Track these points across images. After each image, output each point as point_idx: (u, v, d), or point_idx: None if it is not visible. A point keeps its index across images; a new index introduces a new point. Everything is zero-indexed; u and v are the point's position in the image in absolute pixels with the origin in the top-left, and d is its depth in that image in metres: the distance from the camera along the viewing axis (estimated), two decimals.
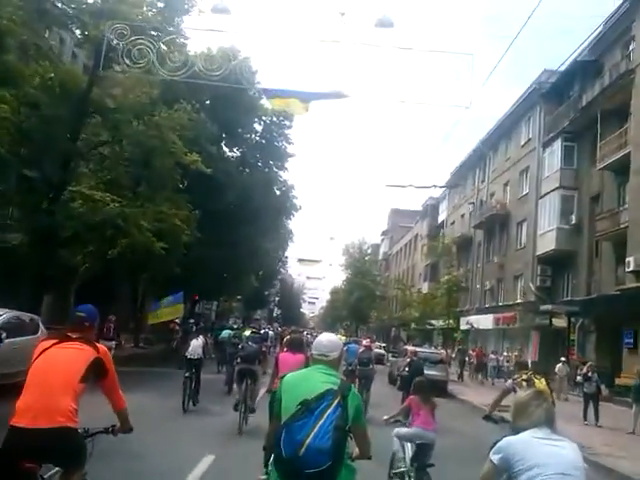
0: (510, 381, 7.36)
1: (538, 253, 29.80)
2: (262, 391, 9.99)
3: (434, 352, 25.76)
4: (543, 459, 2.75)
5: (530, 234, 31.57)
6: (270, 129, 32.96)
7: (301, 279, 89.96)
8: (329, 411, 3.00)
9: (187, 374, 11.85)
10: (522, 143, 34.79)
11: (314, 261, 71.25)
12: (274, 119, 33.09)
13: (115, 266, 22.27)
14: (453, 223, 49.18)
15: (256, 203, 30.94)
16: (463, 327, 39.87)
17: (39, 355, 3.52)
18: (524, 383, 6.75)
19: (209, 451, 7.90)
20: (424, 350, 23.99)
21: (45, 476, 3.47)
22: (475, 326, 36.98)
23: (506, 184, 36.94)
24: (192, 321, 31.01)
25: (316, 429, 2.92)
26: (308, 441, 2.89)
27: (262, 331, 23.83)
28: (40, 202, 16.39)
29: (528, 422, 2.94)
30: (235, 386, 11.36)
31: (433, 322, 39.06)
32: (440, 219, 54.87)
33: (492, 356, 30.89)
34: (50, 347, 3.53)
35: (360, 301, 68.09)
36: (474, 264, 42.03)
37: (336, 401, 3.04)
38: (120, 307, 27.78)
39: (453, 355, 33.36)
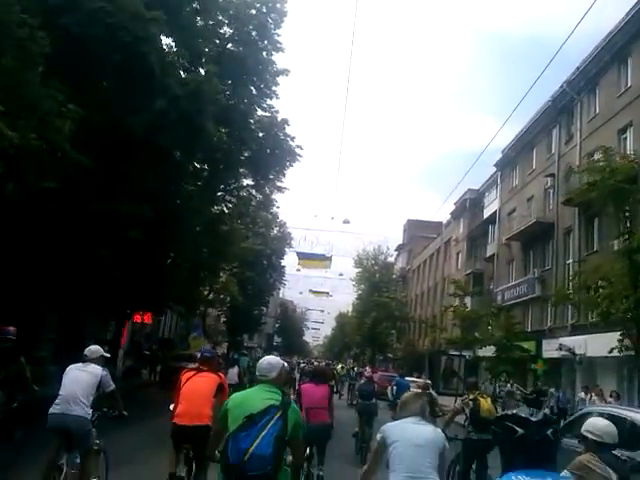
0: (459, 401, 9.25)
1: None
2: None
3: None
4: (405, 435, 3.84)
5: None
6: (244, 23, 19.40)
7: (304, 298, 75.37)
8: (271, 423, 3.56)
9: None
10: None
11: (323, 293, 58.06)
12: (251, 11, 19.72)
13: None
14: (513, 212, 35.53)
15: (216, 137, 17.37)
16: (550, 354, 25.99)
17: (187, 381, 5.99)
18: (470, 403, 8.11)
19: None
20: None
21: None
22: (577, 352, 23.04)
23: (623, 130, 23.43)
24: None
25: (259, 439, 3.48)
26: (252, 449, 3.45)
27: (303, 365, 31.14)
28: None
29: (407, 413, 4.01)
30: None
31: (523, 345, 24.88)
32: (487, 213, 41.24)
33: None
34: (192, 376, 6.01)
35: (377, 324, 54.27)
36: (556, 261, 28.28)
37: (278, 415, 3.60)
38: None
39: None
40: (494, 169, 40.47)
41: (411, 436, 3.85)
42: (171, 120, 14.48)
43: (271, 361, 4.12)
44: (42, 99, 11.65)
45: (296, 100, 58.31)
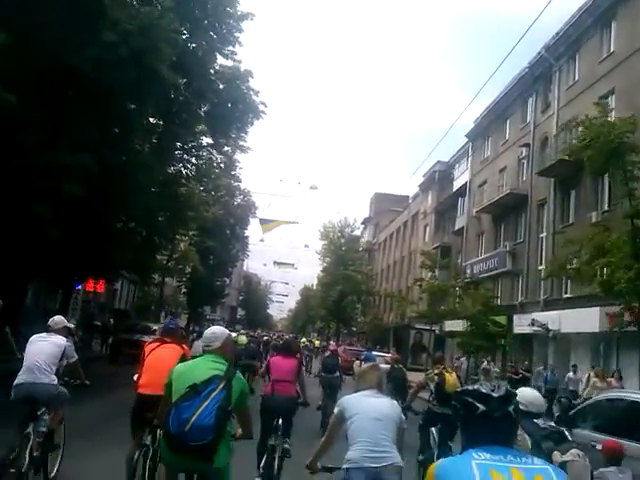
0: (424, 375, 8.91)
1: None
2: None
3: None
4: (364, 408, 3.93)
5: None
6: None
7: (268, 270, 73.93)
8: (214, 393, 3.49)
9: None
10: None
11: (288, 264, 56.77)
12: None
13: None
14: (484, 184, 34.60)
15: (172, 86, 15.52)
16: (521, 329, 25.27)
17: (150, 352, 5.91)
18: (435, 377, 8.11)
19: None
20: None
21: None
22: (551, 328, 22.27)
23: (604, 97, 22.31)
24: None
25: (201, 409, 3.42)
26: (193, 419, 3.38)
27: (265, 338, 30.48)
28: None
29: (365, 385, 4.14)
30: None
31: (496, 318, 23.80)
32: (457, 185, 40.29)
33: None
34: (156, 348, 5.94)
35: (342, 297, 53.34)
36: (529, 235, 27.45)
37: (222, 385, 3.55)
38: None
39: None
40: (465, 140, 39.45)
41: (369, 409, 3.93)
42: (121, 55, 12.63)
43: (215, 331, 4.11)
44: None
45: (262, 50, 56.46)
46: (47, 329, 6.32)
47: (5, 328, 8.46)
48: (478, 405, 2.07)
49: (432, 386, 8.27)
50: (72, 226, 14.16)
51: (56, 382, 6.01)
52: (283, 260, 55.65)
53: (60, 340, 6.19)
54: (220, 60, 18.85)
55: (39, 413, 5.88)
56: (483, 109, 35.47)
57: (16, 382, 5.87)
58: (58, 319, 6.51)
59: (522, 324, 25.10)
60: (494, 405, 2.06)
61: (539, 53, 27.58)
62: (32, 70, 12.60)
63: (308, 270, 77.17)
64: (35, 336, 6.20)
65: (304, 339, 44.76)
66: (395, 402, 4.26)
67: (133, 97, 14.40)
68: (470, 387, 2.16)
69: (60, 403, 6.21)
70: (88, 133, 13.28)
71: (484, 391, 2.09)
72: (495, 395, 2.08)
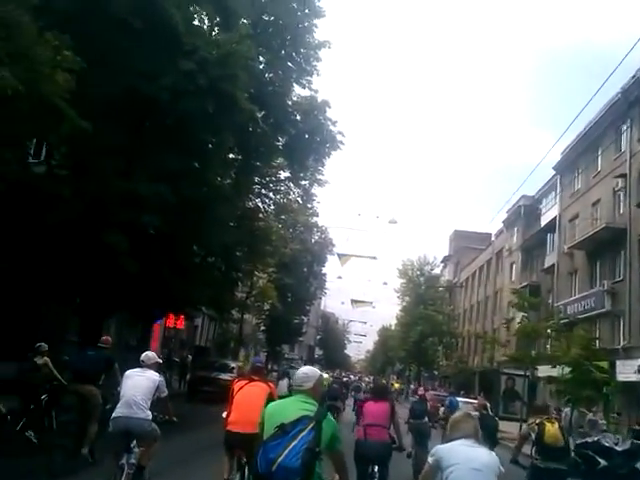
0: (525, 426, 8.74)
1: None
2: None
3: None
4: (462, 458, 3.70)
5: None
6: None
7: (346, 309, 72.98)
8: (303, 434, 3.39)
9: None
10: None
11: (366, 303, 55.92)
12: None
13: None
14: (575, 218, 32.48)
15: (250, 118, 15.39)
16: (626, 377, 22.88)
17: (239, 390, 6.30)
18: (536, 427, 7.51)
19: None
20: None
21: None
22: None
23: None
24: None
25: (288, 449, 3.32)
26: (280, 460, 3.29)
27: (345, 379, 34.62)
28: None
29: (459, 434, 3.87)
30: None
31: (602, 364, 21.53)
32: (545, 220, 38.15)
33: None
34: (244, 385, 6.32)
35: (423, 338, 51.40)
36: (630, 272, 25.17)
37: (310, 426, 3.44)
38: None
39: None
40: (551, 173, 37.47)
41: (468, 459, 3.73)
42: (198, 84, 12.59)
43: (307, 372, 4.03)
44: (35, 45, 9.55)
45: (339, 79, 57.42)
46: (140, 364, 6.61)
47: (115, 364, 8.77)
48: (599, 460, 1.86)
49: (533, 437, 7.63)
50: (149, 259, 14.08)
51: (150, 417, 6.29)
52: (361, 298, 54.67)
53: (154, 375, 6.54)
54: (297, 90, 18.80)
55: (132, 446, 6.19)
56: (570, 140, 33.67)
57: (114, 415, 6.21)
58: (151, 354, 6.83)
59: (626, 371, 22.75)
60: (618, 461, 2.15)
61: (634, 77, 25.84)
62: (108, 98, 12.69)
63: (387, 309, 75.95)
64: (131, 371, 6.52)
65: (383, 381, 43.40)
66: (493, 452, 3.97)
67: (211, 129, 14.34)
68: (590, 439, 1.84)
69: (152, 439, 6.47)
70: (166, 164, 13.27)
71: (606, 444, 2.25)
72: (619, 449, 2.23)
